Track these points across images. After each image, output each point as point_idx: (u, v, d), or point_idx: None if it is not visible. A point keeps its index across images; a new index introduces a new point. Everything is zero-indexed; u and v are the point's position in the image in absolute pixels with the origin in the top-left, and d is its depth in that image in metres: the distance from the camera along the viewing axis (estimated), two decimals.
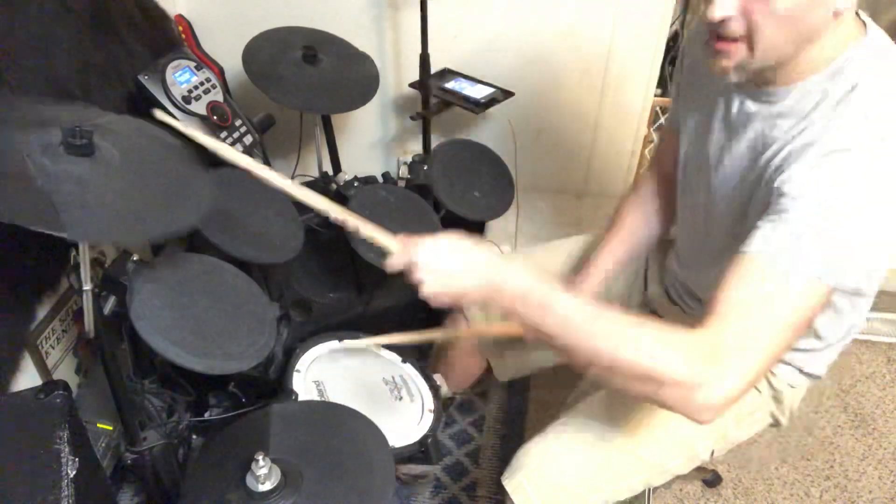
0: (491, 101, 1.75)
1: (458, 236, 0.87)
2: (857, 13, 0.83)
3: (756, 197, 0.87)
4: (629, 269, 1.28)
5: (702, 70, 1.01)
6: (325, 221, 1.58)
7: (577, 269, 1.25)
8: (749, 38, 0.79)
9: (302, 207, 1.53)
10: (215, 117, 1.50)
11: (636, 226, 1.19)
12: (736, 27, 0.79)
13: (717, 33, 0.80)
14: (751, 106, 0.89)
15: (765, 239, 0.76)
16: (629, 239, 1.19)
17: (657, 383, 0.73)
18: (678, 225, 1.14)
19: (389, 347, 1.40)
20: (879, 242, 0.75)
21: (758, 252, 0.75)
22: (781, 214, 0.76)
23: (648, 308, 1.22)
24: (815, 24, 0.77)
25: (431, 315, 1.80)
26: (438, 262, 0.84)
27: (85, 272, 0.95)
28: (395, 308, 1.73)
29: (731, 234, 0.92)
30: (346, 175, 1.64)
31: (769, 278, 0.74)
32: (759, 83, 0.87)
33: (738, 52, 0.80)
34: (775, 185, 0.79)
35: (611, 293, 1.26)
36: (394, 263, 0.87)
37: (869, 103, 0.77)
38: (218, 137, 1.50)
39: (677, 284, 1.16)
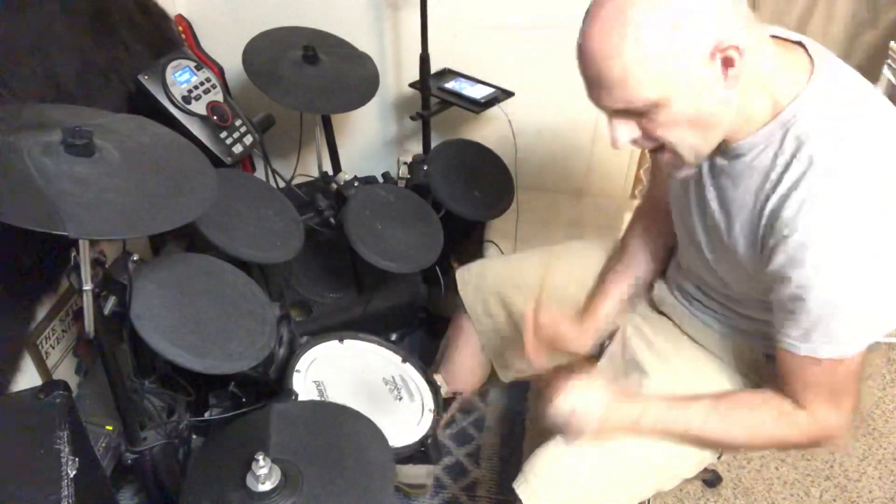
0: (491, 101, 1.75)
1: (590, 383, 0.98)
2: (806, 49, 0.83)
3: (745, 248, 0.90)
4: None
5: None
6: (325, 221, 1.58)
7: (581, 278, 1.27)
8: (668, 147, 0.81)
9: (302, 207, 1.54)
10: (215, 117, 1.50)
11: (642, 263, 1.22)
12: (647, 145, 0.83)
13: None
14: (719, 160, 0.90)
15: (808, 341, 0.85)
16: (636, 272, 1.22)
17: (790, 449, 0.97)
18: (680, 247, 1.15)
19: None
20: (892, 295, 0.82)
21: (811, 354, 0.85)
22: (805, 311, 0.82)
23: (653, 304, 1.22)
24: (714, 111, 0.78)
25: (431, 315, 1.81)
26: (601, 412, 0.96)
27: (85, 272, 0.95)
28: (395, 308, 1.73)
29: (718, 271, 0.99)
30: (346, 175, 1.64)
31: (831, 370, 0.86)
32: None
33: (669, 159, 0.84)
34: (772, 264, 0.83)
35: None
36: (557, 412, 0.96)
37: (819, 167, 0.78)
38: (218, 137, 1.50)
39: (681, 284, 1.16)
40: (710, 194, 0.93)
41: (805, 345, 0.85)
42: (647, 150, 0.86)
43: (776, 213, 0.81)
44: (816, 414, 0.90)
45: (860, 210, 0.77)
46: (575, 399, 0.95)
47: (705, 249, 0.99)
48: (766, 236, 0.84)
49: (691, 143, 0.81)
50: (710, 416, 0.95)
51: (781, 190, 0.81)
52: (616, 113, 0.80)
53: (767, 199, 0.83)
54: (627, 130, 0.81)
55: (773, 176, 0.82)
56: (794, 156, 0.80)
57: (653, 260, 1.22)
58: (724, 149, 0.87)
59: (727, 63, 0.74)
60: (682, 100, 0.76)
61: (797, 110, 0.80)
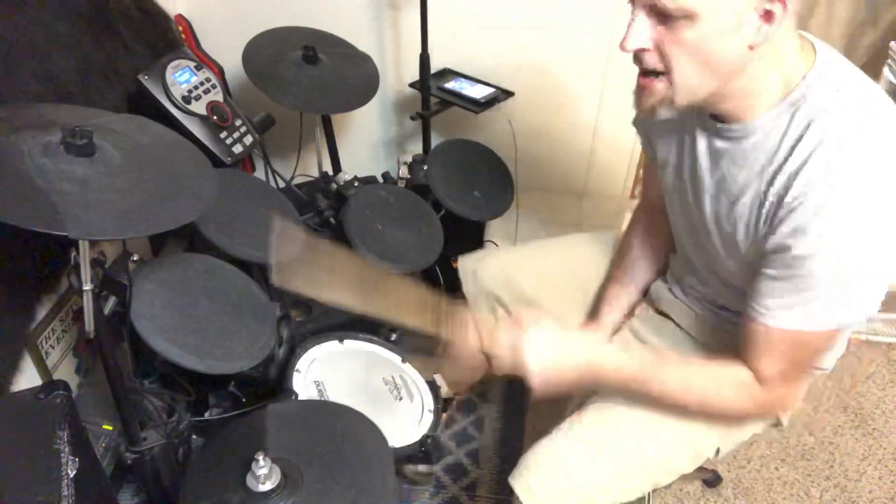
0: (491, 101, 1.75)
1: (550, 324, 0.93)
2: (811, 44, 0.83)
3: (744, 230, 0.89)
4: None
5: (661, 127, 1.03)
6: (325, 221, 1.58)
7: (582, 272, 1.27)
8: (667, 73, 0.80)
9: (302, 207, 1.54)
10: (215, 117, 1.50)
11: (641, 266, 1.22)
12: (651, 60, 0.80)
13: (640, 70, 0.83)
14: (718, 143, 0.90)
15: (781, 308, 0.84)
16: (636, 278, 1.22)
17: (734, 417, 1.00)
18: (675, 239, 1.15)
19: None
20: (878, 282, 0.82)
21: (778, 323, 0.85)
22: (794, 280, 0.82)
23: (652, 304, 1.22)
24: (730, 58, 0.78)
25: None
26: (548, 355, 0.91)
27: (85, 272, 0.95)
28: None
29: (721, 256, 0.97)
30: (346, 175, 1.64)
31: (795, 341, 0.86)
32: (717, 118, 0.88)
33: (660, 88, 0.82)
34: (771, 238, 0.83)
35: None
36: (500, 364, 0.93)
37: (829, 147, 0.78)
38: (218, 137, 1.50)
39: (680, 281, 1.16)
40: (708, 178, 0.93)
41: (785, 314, 0.84)
42: (639, 81, 0.84)
43: (785, 189, 0.80)
44: (772, 386, 0.90)
45: (872, 184, 0.76)
46: (516, 335, 0.91)
47: (702, 236, 0.99)
48: (771, 213, 0.83)
49: (692, 80, 0.80)
50: (669, 365, 0.95)
51: (790, 167, 0.80)
52: (644, 9, 0.78)
53: (775, 176, 0.82)
54: (644, 34, 0.79)
55: (780, 155, 0.82)
56: (802, 135, 0.80)
57: (652, 263, 1.22)
58: (725, 131, 0.87)
59: (768, 17, 0.74)
60: (712, 26, 0.75)
61: (805, 91, 0.80)
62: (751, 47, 0.77)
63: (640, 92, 0.84)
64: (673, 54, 0.78)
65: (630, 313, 1.23)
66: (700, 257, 1.06)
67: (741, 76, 0.80)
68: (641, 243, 1.22)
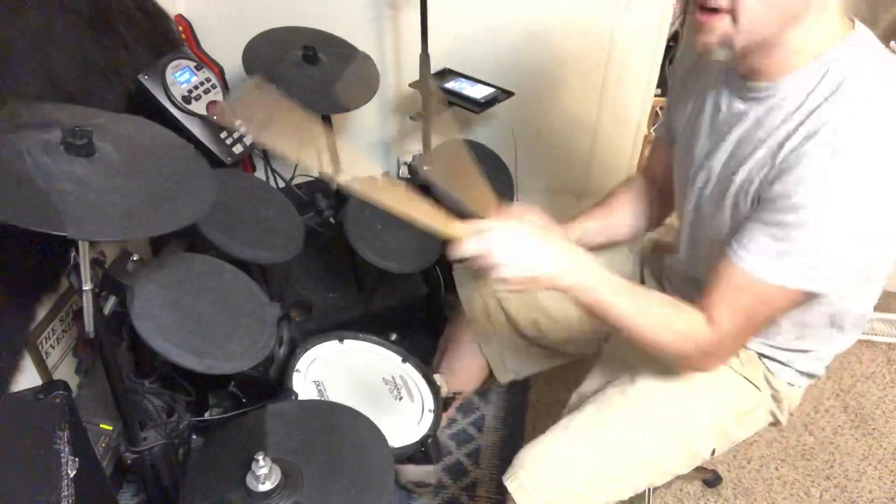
0: (491, 101, 1.75)
1: (528, 219, 0.94)
2: (850, 18, 0.83)
3: (744, 193, 0.88)
4: (625, 269, 1.29)
5: (693, 69, 1.02)
6: (325, 221, 1.58)
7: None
8: (732, 10, 0.78)
9: (302, 207, 1.54)
10: (215, 117, 1.50)
11: (622, 214, 1.23)
12: None
13: (700, 5, 0.80)
14: (739, 105, 0.90)
15: (759, 253, 0.84)
16: (612, 221, 1.22)
17: (674, 356, 0.96)
18: (679, 221, 1.15)
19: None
20: (855, 257, 0.81)
21: (750, 268, 0.85)
22: (779, 228, 0.82)
23: None
24: (797, 3, 0.78)
25: (431, 315, 1.81)
26: (516, 248, 0.86)
27: (85, 272, 0.95)
28: (395, 308, 1.73)
29: (721, 237, 0.95)
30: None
31: (760, 293, 0.85)
32: (747, 76, 0.87)
33: (721, 24, 0.80)
34: (773, 187, 0.82)
35: None
36: (465, 249, 0.86)
37: (857, 102, 0.78)
38: (218, 137, 1.50)
39: (674, 278, 1.16)
40: (726, 139, 0.92)
41: (758, 260, 0.84)
42: (698, 18, 0.82)
43: (798, 147, 0.80)
44: (718, 334, 0.89)
45: (880, 158, 0.76)
46: (497, 234, 0.86)
47: (704, 194, 0.98)
48: (779, 168, 0.82)
49: (759, 18, 0.78)
50: (636, 292, 0.94)
51: (810, 126, 0.80)
52: None
53: (792, 133, 0.82)
54: None
55: (803, 113, 0.81)
56: (830, 95, 0.79)
57: (632, 222, 1.23)
58: (750, 91, 0.87)
59: None
60: None
61: (841, 53, 0.80)
62: None
63: (700, 28, 0.82)
64: None
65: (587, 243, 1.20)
66: (694, 229, 1.05)
67: (800, 24, 0.80)
68: (629, 199, 1.23)
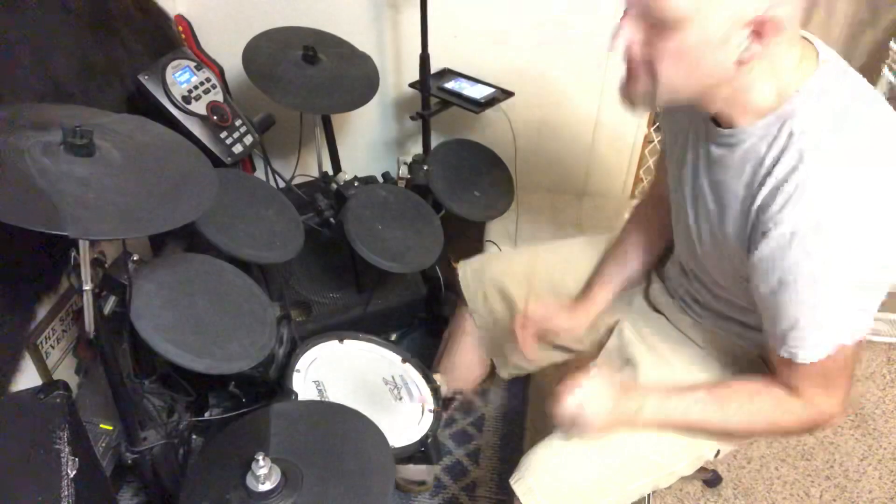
0: (491, 101, 1.75)
1: (607, 379, 0.99)
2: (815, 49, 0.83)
3: (735, 239, 0.89)
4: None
5: (672, 120, 1.04)
6: (325, 221, 1.58)
7: (576, 274, 1.27)
8: (651, 73, 0.80)
9: (302, 207, 1.54)
10: (215, 117, 1.50)
11: (639, 256, 1.23)
12: (637, 56, 0.81)
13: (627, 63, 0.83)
14: (714, 150, 0.90)
15: (780, 340, 0.87)
16: (631, 261, 1.23)
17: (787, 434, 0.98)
18: (675, 240, 1.15)
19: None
20: (866, 292, 0.82)
21: (797, 361, 0.87)
22: (780, 311, 0.84)
23: (651, 305, 1.22)
24: (715, 70, 0.77)
25: (431, 315, 1.81)
26: (604, 405, 0.97)
27: (85, 272, 0.95)
28: (395, 308, 1.73)
29: (715, 264, 0.98)
30: (346, 175, 1.64)
31: (821, 371, 0.87)
32: (718, 123, 0.88)
33: (644, 81, 0.82)
34: (761, 268, 0.83)
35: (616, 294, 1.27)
36: (563, 409, 0.97)
37: (810, 162, 0.77)
38: (218, 137, 1.50)
39: (677, 280, 1.16)
40: (706, 184, 0.93)
41: (783, 347, 0.87)
42: (623, 72, 0.85)
43: (765, 205, 0.81)
44: (811, 401, 0.91)
45: (848, 203, 0.76)
46: (582, 397, 0.96)
47: (696, 242, 0.99)
48: (755, 227, 0.84)
49: (674, 83, 0.80)
50: (708, 404, 0.96)
51: (771, 182, 0.80)
52: (634, 11, 0.78)
53: (759, 190, 0.82)
54: (632, 34, 0.79)
55: (764, 169, 0.82)
56: (784, 149, 0.79)
57: (649, 254, 1.22)
58: (720, 136, 0.87)
59: (758, 35, 0.73)
60: (699, 36, 0.74)
61: (797, 104, 0.80)
62: (739, 63, 0.76)
63: (626, 82, 0.85)
64: (658, 56, 0.78)
65: (628, 303, 1.24)
66: (694, 263, 1.06)
67: (726, 87, 0.80)
68: (641, 232, 1.23)
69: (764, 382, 0.94)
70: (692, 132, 0.96)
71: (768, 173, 0.81)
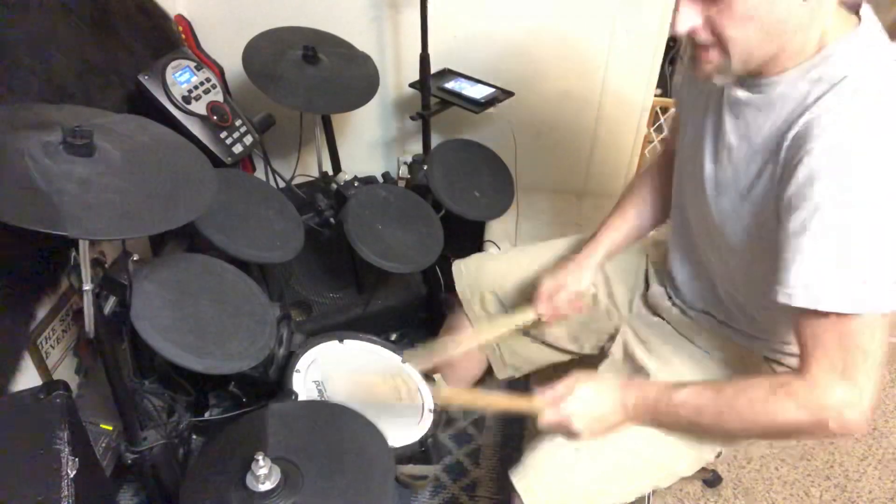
0: (491, 101, 1.75)
1: (590, 382, 0.99)
2: (856, 12, 0.83)
3: (766, 177, 0.87)
4: (630, 268, 1.29)
5: (693, 83, 1.03)
6: (325, 221, 1.58)
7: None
8: (721, 45, 0.80)
9: (302, 207, 1.54)
10: (215, 117, 1.50)
11: (637, 211, 1.24)
12: (704, 37, 0.80)
13: (692, 40, 0.82)
14: (740, 94, 0.89)
15: (803, 285, 0.78)
16: (640, 214, 1.24)
17: (805, 435, 0.87)
18: (672, 231, 1.15)
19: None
20: None
21: (821, 310, 0.78)
22: (806, 249, 0.77)
23: (650, 307, 1.22)
24: (783, 17, 0.77)
25: (431, 315, 1.81)
26: (589, 411, 0.97)
27: (85, 272, 0.95)
28: (395, 308, 1.73)
29: (730, 224, 0.95)
30: (346, 175, 1.64)
31: (833, 327, 0.78)
32: (753, 73, 0.87)
33: (714, 56, 0.81)
34: (792, 203, 0.79)
35: (614, 293, 1.27)
36: (547, 423, 0.98)
37: (858, 95, 0.77)
38: (218, 137, 1.50)
39: (675, 285, 1.16)
40: (730, 128, 0.92)
41: (804, 294, 0.78)
42: (689, 48, 0.84)
43: (804, 133, 0.79)
44: (816, 380, 0.80)
45: (891, 145, 0.75)
46: (564, 411, 0.96)
47: (710, 192, 0.97)
48: (790, 157, 0.81)
49: (748, 45, 0.79)
50: (703, 396, 0.91)
51: (813, 113, 0.79)
52: None
53: (796, 121, 0.81)
54: (692, 16, 0.79)
55: (808, 102, 0.81)
56: (833, 84, 0.79)
57: (654, 211, 1.24)
58: (754, 82, 0.87)
59: None
60: None
61: (846, 47, 0.80)
62: (803, 5, 0.76)
63: (696, 61, 0.84)
64: (726, 28, 0.78)
65: (619, 250, 1.25)
66: (703, 235, 1.05)
67: (799, 33, 0.79)
68: (653, 186, 1.24)
69: (766, 376, 0.91)
70: (713, 93, 0.96)
71: (811, 105, 0.80)
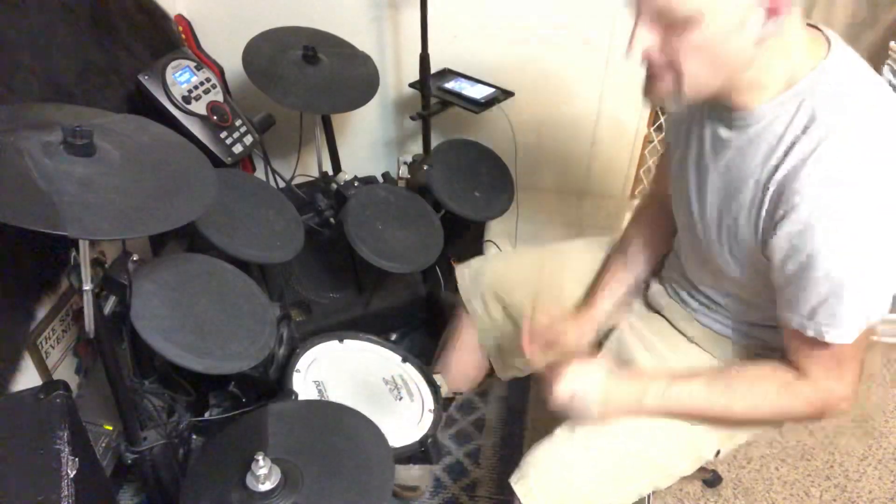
0: (491, 101, 1.75)
1: (584, 366, 1.00)
2: (827, 39, 0.83)
3: (745, 223, 0.89)
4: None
5: (679, 117, 1.04)
6: (325, 221, 1.58)
7: (577, 279, 1.27)
8: (674, 71, 0.80)
9: (302, 207, 1.54)
10: (215, 117, 1.50)
11: (641, 262, 1.22)
12: (658, 60, 0.81)
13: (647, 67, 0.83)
14: (723, 132, 0.90)
15: (808, 316, 0.85)
16: (634, 269, 1.22)
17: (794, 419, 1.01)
18: (678, 235, 1.15)
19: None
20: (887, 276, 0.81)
21: (806, 329, 0.86)
22: (807, 289, 0.83)
23: (650, 306, 1.22)
24: (737, 55, 0.78)
25: (431, 315, 1.81)
26: (604, 391, 0.98)
27: (85, 272, 0.95)
28: (395, 308, 1.73)
29: (722, 254, 0.97)
30: (346, 175, 1.64)
31: (832, 352, 0.87)
32: (729, 108, 0.88)
33: (667, 82, 0.82)
34: (780, 237, 0.82)
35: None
36: (562, 391, 0.98)
37: (834, 140, 0.78)
38: (218, 137, 1.50)
39: (676, 281, 1.16)
40: (713, 169, 0.93)
41: (811, 323, 0.85)
42: (645, 74, 0.84)
43: (786, 182, 0.80)
44: (819, 384, 0.90)
45: (876, 183, 0.76)
46: (574, 383, 0.97)
47: (701, 232, 0.99)
48: (773, 207, 0.83)
49: (700, 78, 0.80)
50: (713, 389, 0.96)
51: (792, 160, 0.80)
52: (646, 16, 0.78)
53: (776, 168, 0.82)
54: (648, 39, 0.79)
55: (783, 146, 0.82)
56: (807, 127, 0.80)
57: (652, 258, 1.22)
58: (731, 118, 0.87)
59: (772, 13, 0.74)
60: (717, 26, 0.75)
61: (814, 83, 0.80)
62: (758, 42, 0.76)
63: (649, 85, 0.84)
64: (679, 56, 0.78)
65: (628, 307, 1.23)
66: (696, 257, 1.06)
67: (749, 70, 0.80)
68: (643, 236, 1.23)
69: (771, 367, 0.94)
70: (696, 122, 0.96)
71: (788, 151, 0.81)
